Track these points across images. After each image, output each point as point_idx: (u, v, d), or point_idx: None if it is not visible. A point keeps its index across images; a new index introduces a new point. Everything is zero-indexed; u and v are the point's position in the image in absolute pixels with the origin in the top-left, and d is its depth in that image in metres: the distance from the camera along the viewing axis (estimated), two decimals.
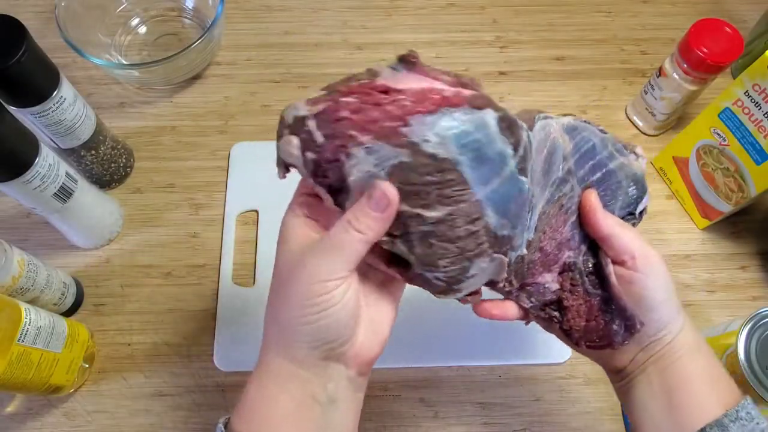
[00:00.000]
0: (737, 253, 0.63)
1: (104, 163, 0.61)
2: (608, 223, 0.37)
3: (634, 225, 0.41)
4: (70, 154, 0.58)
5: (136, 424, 0.53)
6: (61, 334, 0.50)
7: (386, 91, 0.32)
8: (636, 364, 0.37)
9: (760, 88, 0.52)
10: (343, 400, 0.33)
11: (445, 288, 0.33)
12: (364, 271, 0.35)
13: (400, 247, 0.32)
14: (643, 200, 0.41)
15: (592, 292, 0.37)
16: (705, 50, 0.58)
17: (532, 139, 0.35)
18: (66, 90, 0.52)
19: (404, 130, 0.30)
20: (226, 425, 0.32)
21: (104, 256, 0.60)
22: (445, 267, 0.32)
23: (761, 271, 0.62)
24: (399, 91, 0.32)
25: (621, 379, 0.39)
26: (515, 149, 0.32)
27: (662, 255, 0.37)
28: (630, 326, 0.35)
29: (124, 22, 0.72)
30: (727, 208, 0.60)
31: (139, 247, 0.61)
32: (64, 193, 0.52)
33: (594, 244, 0.38)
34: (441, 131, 0.30)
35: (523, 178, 0.33)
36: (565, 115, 0.40)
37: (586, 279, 0.37)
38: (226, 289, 0.58)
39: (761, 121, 0.53)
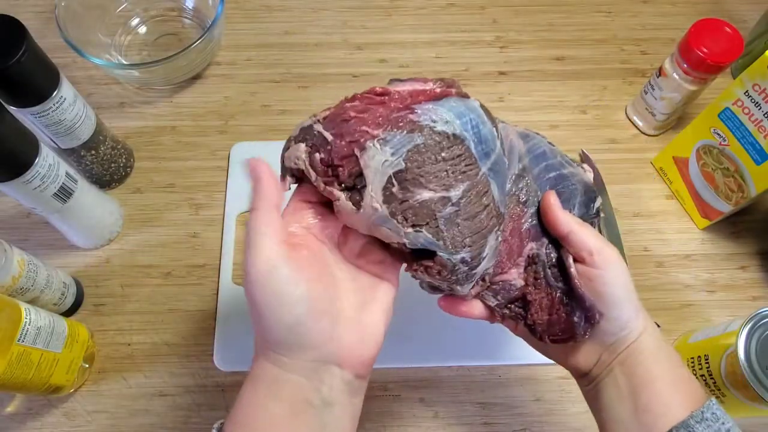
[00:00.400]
0: (737, 253, 0.63)
1: (104, 163, 0.61)
2: (567, 221, 0.38)
3: (593, 224, 0.43)
4: (70, 154, 0.58)
5: (136, 424, 0.53)
6: (61, 334, 0.50)
7: (385, 93, 0.35)
8: (602, 366, 0.38)
9: (760, 88, 0.52)
10: (339, 404, 0.32)
11: (466, 272, 0.35)
12: (354, 274, 0.35)
13: (426, 236, 0.33)
14: (597, 201, 0.44)
15: (554, 284, 0.39)
16: (705, 50, 0.58)
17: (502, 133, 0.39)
18: (66, 90, 0.52)
19: (412, 116, 0.33)
20: (220, 430, 0.32)
21: (104, 256, 0.60)
22: (470, 245, 0.34)
23: (761, 271, 0.62)
24: (396, 92, 0.35)
25: (589, 382, 0.39)
26: (497, 133, 0.36)
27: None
28: (590, 317, 0.36)
29: (124, 22, 0.72)
30: (727, 208, 0.60)
31: (139, 247, 0.61)
32: (64, 193, 0.52)
33: (556, 240, 0.40)
34: (444, 113, 0.33)
35: (506, 159, 0.37)
36: (515, 125, 0.43)
37: (548, 271, 0.39)
38: (226, 289, 0.58)
39: (761, 121, 0.53)
